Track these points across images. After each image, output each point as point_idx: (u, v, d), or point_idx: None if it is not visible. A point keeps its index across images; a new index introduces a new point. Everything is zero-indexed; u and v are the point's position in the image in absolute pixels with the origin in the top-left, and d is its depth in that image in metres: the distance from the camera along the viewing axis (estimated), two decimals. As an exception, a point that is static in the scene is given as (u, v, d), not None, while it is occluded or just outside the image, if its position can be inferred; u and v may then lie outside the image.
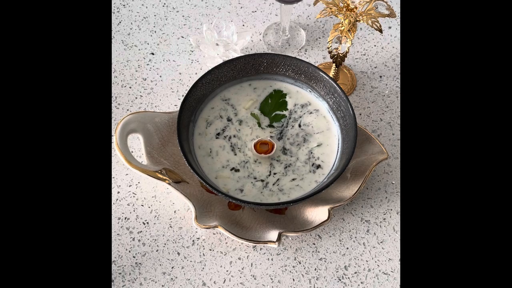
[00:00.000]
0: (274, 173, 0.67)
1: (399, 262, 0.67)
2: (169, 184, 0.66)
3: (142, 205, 0.71)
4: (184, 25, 0.87)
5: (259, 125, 0.71)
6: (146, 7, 0.89)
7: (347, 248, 0.68)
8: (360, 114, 0.79)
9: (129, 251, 0.67)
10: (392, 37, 0.86)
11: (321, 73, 0.69)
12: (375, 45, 0.85)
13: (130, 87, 0.81)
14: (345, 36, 0.68)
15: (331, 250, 0.68)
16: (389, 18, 0.83)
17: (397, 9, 0.89)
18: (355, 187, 0.68)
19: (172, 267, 0.67)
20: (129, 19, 0.88)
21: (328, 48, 0.72)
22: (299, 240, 0.69)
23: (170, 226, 0.69)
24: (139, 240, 0.68)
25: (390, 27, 0.87)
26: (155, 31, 0.86)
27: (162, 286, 0.65)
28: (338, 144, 0.69)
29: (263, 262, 0.67)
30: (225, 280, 0.66)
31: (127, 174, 0.73)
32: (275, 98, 0.73)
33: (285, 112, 0.72)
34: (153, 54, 0.84)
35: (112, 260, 0.67)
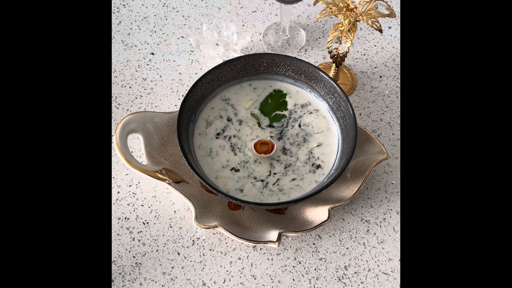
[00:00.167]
0: (274, 173, 0.67)
1: (399, 262, 0.67)
2: (169, 184, 0.66)
3: (142, 205, 0.71)
4: (184, 25, 0.87)
5: (259, 125, 0.71)
6: (146, 7, 0.89)
7: (347, 248, 0.68)
8: (360, 114, 0.79)
9: (129, 251, 0.68)
10: (392, 37, 0.86)
11: (321, 73, 0.69)
12: (375, 45, 0.85)
13: (130, 87, 0.81)
14: (345, 36, 0.68)
15: (331, 250, 0.68)
16: (389, 18, 0.83)
17: (397, 9, 0.89)
18: (355, 187, 0.68)
19: (172, 267, 0.67)
20: (129, 19, 0.88)
21: (328, 48, 0.72)
22: (299, 240, 0.69)
23: (170, 226, 0.69)
24: (139, 240, 0.68)
25: (390, 27, 0.87)
26: (155, 31, 0.86)
27: (162, 286, 0.65)
28: (338, 144, 0.69)
29: (263, 262, 0.67)
30: (225, 280, 0.66)
31: (127, 174, 0.73)
32: (275, 98, 0.73)
33: (285, 112, 0.72)
34: (153, 54, 0.84)
35: (112, 260, 0.67)
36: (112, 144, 0.73)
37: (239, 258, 0.67)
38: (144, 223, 0.69)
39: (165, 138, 0.70)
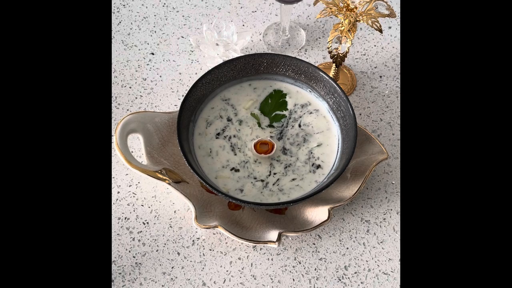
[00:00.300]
0: (274, 173, 0.67)
1: (399, 262, 0.67)
2: (169, 184, 0.66)
3: (142, 205, 0.71)
4: (184, 25, 0.87)
5: (259, 125, 0.71)
6: (146, 7, 0.89)
7: (347, 248, 0.68)
8: (360, 114, 0.79)
9: (129, 251, 0.68)
10: (392, 37, 0.86)
11: (321, 73, 0.69)
12: (375, 45, 0.85)
13: (130, 87, 0.81)
14: (345, 36, 0.68)
15: (331, 250, 0.68)
16: (389, 18, 0.83)
17: (397, 9, 0.89)
18: (355, 187, 0.68)
19: (172, 267, 0.67)
20: (129, 19, 0.88)
21: (328, 48, 0.72)
22: (299, 240, 0.69)
23: (170, 226, 0.69)
24: (139, 240, 0.68)
25: (390, 27, 0.87)
26: (155, 31, 0.86)
27: (162, 286, 0.65)
28: (338, 144, 0.69)
29: (263, 262, 0.67)
30: (225, 280, 0.66)
31: (127, 174, 0.73)
32: (275, 98, 0.73)
33: (285, 112, 0.72)
34: (153, 54, 0.84)
35: (112, 260, 0.67)
36: (112, 144, 0.73)
37: (239, 258, 0.67)
38: (144, 223, 0.69)
39: (165, 138, 0.70)
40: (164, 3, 0.90)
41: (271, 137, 0.70)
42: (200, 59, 0.84)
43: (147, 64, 0.83)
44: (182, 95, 0.80)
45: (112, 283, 0.65)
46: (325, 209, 0.65)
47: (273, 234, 0.64)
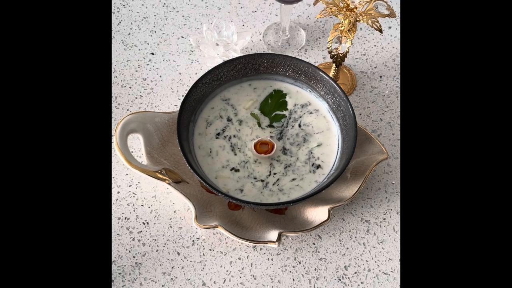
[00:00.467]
0: (274, 173, 0.67)
1: (399, 262, 0.67)
2: (169, 184, 0.66)
3: (142, 205, 0.71)
4: (184, 25, 0.87)
5: (259, 125, 0.71)
6: (146, 7, 0.89)
7: (347, 248, 0.68)
8: (360, 114, 0.79)
9: (129, 251, 0.67)
10: (392, 37, 0.86)
11: (321, 73, 0.69)
12: (375, 45, 0.85)
13: (130, 87, 0.81)
14: (345, 36, 0.68)
15: (331, 250, 0.68)
16: (389, 18, 0.83)
17: (397, 9, 0.89)
18: (355, 187, 0.68)
19: (172, 267, 0.67)
20: (129, 19, 0.88)
21: (328, 48, 0.72)
22: (299, 240, 0.69)
23: (170, 226, 0.69)
24: (139, 240, 0.68)
25: (390, 27, 0.87)
26: (155, 31, 0.86)
27: (162, 286, 0.65)
28: (338, 144, 0.69)
29: (263, 262, 0.67)
30: (225, 280, 0.66)
31: (127, 174, 0.73)
32: (275, 98, 0.73)
33: (285, 112, 0.72)
34: (153, 54, 0.84)
35: (112, 260, 0.67)
36: (112, 144, 0.73)
37: (239, 258, 0.67)
38: (144, 223, 0.69)
39: (165, 138, 0.70)
40: (164, 3, 0.90)
41: (271, 137, 0.70)
42: (200, 59, 0.84)
43: (147, 64, 0.83)
44: (182, 95, 0.80)
45: (112, 283, 0.65)
46: (325, 209, 0.65)
47: (273, 234, 0.64)
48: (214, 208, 0.67)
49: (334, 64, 0.75)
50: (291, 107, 0.72)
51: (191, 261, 0.67)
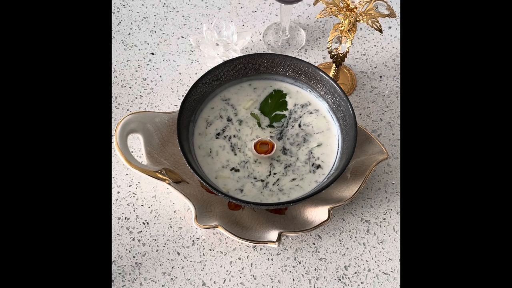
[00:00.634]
0: (274, 173, 0.67)
1: (399, 262, 0.67)
2: (169, 184, 0.66)
3: (142, 205, 0.71)
4: (184, 25, 0.87)
5: (259, 125, 0.71)
6: (146, 7, 0.89)
7: (347, 248, 0.68)
8: (360, 114, 0.79)
9: (129, 251, 0.68)
10: (392, 37, 0.86)
11: (321, 73, 0.69)
12: (375, 45, 0.85)
13: (130, 87, 0.81)
14: (345, 36, 0.68)
15: (331, 250, 0.68)
16: (389, 18, 0.83)
17: (397, 9, 0.89)
18: (355, 187, 0.68)
19: (172, 267, 0.67)
20: (129, 19, 0.88)
21: (328, 48, 0.72)
22: (299, 240, 0.69)
23: (170, 226, 0.69)
24: (139, 240, 0.68)
25: (390, 27, 0.87)
26: (155, 31, 0.86)
27: (162, 286, 0.65)
28: (338, 144, 0.69)
29: (263, 262, 0.67)
30: (225, 280, 0.66)
31: (127, 174, 0.73)
32: (275, 98, 0.73)
33: (285, 112, 0.72)
34: (153, 54, 0.84)
35: (112, 260, 0.67)
36: (112, 144, 0.73)
37: (239, 258, 0.67)
38: (144, 223, 0.69)
39: (165, 138, 0.70)
40: (164, 3, 0.90)
41: (271, 137, 0.70)
42: (200, 59, 0.84)
43: (147, 64, 0.83)
44: (182, 95, 0.80)
45: (112, 283, 0.65)
46: (325, 209, 0.65)
47: (273, 234, 0.64)
48: (214, 208, 0.67)
49: (334, 64, 0.75)
50: (291, 107, 0.72)
51: (191, 261, 0.67)
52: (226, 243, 0.68)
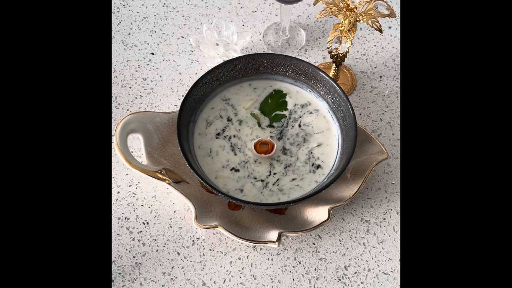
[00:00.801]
0: (274, 173, 0.67)
1: (399, 262, 0.67)
2: (169, 184, 0.66)
3: (142, 205, 0.71)
4: (184, 25, 0.87)
5: (259, 125, 0.71)
6: (146, 7, 0.89)
7: (347, 248, 0.68)
8: (360, 114, 0.79)
9: (129, 251, 0.68)
10: (392, 37, 0.86)
11: (321, 73, 0.69)
12: (375, 45, 0.85)
13: (130, 87, 0.81)
14: (345, 36, 0.68)
15: (331, 250, 0.68)
16: (389, 18, 0.83)
17: (397, 9, 0.89)
18: (355, 187, 0.68)
19: (172, 267, 0.67)
20: (129, 19, 0.88)
21: (328, 48, 0.72)
22: (299, 240, 0.69)
23: (170, 226, 0.69)
24: (139, 240, 0.68)
25: (390, 27, 0.87)
26: (155, 31, 0.86)
27: (162, 286, 0.65)
28: (338, 144, 0.69)
29: (263, 262, 0.67)
30: (225, 280, 0.66)
31: (127, 174, 0.73)
32: (275, 98, 0.73)
33: (285, 112, 0.72)
34: (153, 54, 0.84)
35: (112, 260, 0.67)
36: (112, 144, 0.73)
37: (239, 258, 0.67)
38: (144, 223, 0.69)
39: (165, 138, 0.70)
40: (164, 3, 0.90)
41: (271, 137, 0.70)
42: (200, 59, 0.84)
43: (147, 64, 0.83)
44: (182, 95, 0.80)
45: (112, 283, 0.65)
46: (325, 209, 0.65)
47: (273, 234, 0.64)
48: (214, 208, 0.67)
49: (334, 64, 0.75)
50: (291, 107, 0.72)
51: (191, 261, 0.67)
52: (226, 243, 0.68)
